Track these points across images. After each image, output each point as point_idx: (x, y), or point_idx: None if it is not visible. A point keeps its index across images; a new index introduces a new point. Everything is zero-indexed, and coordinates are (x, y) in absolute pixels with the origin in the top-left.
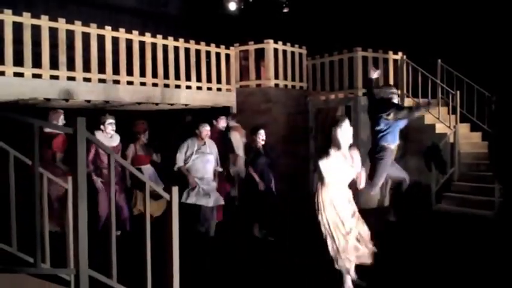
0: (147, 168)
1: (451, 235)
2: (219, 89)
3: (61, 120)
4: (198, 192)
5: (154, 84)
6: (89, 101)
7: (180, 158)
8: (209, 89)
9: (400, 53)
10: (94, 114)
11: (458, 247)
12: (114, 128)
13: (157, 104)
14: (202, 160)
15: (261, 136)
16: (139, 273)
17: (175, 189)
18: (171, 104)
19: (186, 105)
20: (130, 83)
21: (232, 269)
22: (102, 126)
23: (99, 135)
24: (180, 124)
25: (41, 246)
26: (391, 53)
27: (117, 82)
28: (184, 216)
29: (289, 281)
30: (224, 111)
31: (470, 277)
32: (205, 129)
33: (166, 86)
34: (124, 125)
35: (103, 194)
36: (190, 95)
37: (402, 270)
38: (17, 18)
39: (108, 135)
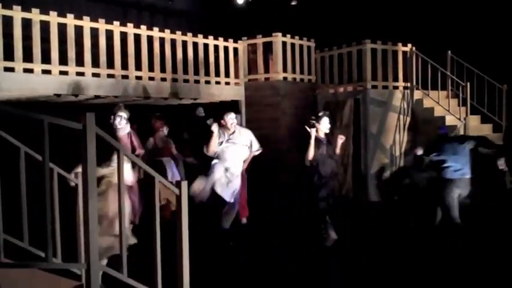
0: (167, 160)
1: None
2: (227, 83)
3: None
4: (222, 183)
5: (163, 79)
6: (98, 96)
7: (214, 144)
8: (217, 83)
9: (409, 45)
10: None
11: (464, 238)
12: (123, 122)
13: (166, 98)
14: (231, 150)
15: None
16: (150, 268)
17: (184, 184)
18: (180, 99)
19: (194, 99)
20: (139, 77)
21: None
22: (112, 117)
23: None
24: (191, 118)
25: (52, 240)
26: (400, 44)
27: (125, 77)
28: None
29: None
30: (233, 105)
31: (479, 264)
32: (230, 118)
33: (175, 80)
34: (135, 120)
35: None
36: (198, 90)
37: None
38: (26, 15)
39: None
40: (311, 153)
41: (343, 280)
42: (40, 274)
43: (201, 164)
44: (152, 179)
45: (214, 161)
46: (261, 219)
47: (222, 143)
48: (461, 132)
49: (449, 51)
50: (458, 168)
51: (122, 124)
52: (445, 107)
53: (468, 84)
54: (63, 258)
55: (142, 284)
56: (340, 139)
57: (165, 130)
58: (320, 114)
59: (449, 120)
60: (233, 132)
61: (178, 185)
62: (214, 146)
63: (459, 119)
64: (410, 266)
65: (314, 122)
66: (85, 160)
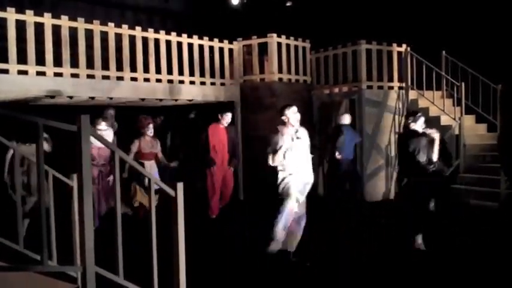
0: (150, 164)
1: (457, 227)
2: (222, 84)
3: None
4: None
5: (158, 80)
6: (92, 98)
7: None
8: (213, 83)
9: (404, 45)
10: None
11: (465, 238)
12: (106, 124)
13: (161, 99)
14: (299, 154)
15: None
16: (146, 270)
17: (180, 185)
18: (175, 100)
19: (190, 100)
20: (134, 79)
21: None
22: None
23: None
24: (185, 121)
25: (47, 243)
26: (395, 45)
27: (120, 78)
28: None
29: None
30: (228, 106)
31: (475, 269)
32: (293, 112)
33: (170, 81)
34: (129, 121)
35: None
36: (193, 90)
37: (409, 262)
38: (20, 16)
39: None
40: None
41: (343, 280)
42: (36, 277)
43: (186, 167)
44: (143, 178)
45: (282, 175)
46: (257, 219)
47: (281, 147)
48: (456, 132)
49: (444, 51)
50: None
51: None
52: (440, 107)
53: (463, 84)
54: (58, 261)
55: (138, 286)
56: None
57: (151, 129)
58: (418, 114)
59: (444, 120)
60: (296, 131)
61: (173, 186)
62: (280, 155)
63: (454, 119)
64: (412, 265)
65: (411, 122)
66: (80, 161)
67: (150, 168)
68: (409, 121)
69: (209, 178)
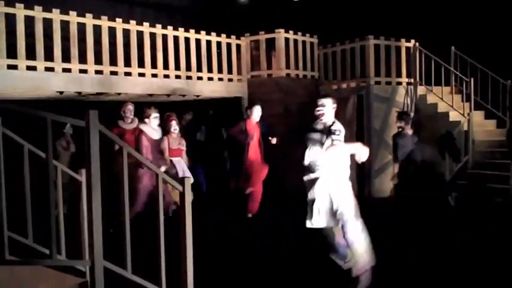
0: (178, 161)
1: (466, 223)
2: (230, 80)
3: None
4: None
5: (166, 76)
6: (100, 93)
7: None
8: (220, 79)
9: (412, 41)
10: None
11: (473, 234)
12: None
13: (168, 95)
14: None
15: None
16: (154, 265)
17: (188, 181)
18: (183, 96)
19: (197, 96)
20: (141, 74)
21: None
22: (147, 120)
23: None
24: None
25: (56, 238)
26: (403, 40)
27: (128, 74)
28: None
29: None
30: (236, 101)
31: (482, 264)
32: (327, 102)
33: (178, 77)
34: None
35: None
36: (201, 86)
37: (416, 259)
38: (29, 12)
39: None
40: None
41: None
42: (45, 271)
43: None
44: (156, 176)
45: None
46: (264, 215)
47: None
48: (465, 128)
49: (453, 47)
50: None
51: (158, 124)
52: (449, 103)
53: (472, 79)
54: (67, 255)
55: (146, 280)
56: None
57: (174, 125)
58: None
59: (453, 116)
60: (333, 123)
61: (181, 181)
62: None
63: (463, 115)
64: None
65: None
66: (89, 157)
67: (179, 165)
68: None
69: (252, 175)
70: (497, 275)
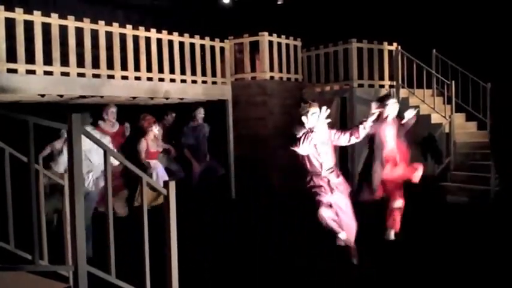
0: (155, 163)
1: (448, 224)
2: (214, 82)
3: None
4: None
5: (149, 79)
6: (84, 96)
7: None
8: (204, 82)
9: (394, 44)
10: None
11: (456, 236)
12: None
13: (152, 98)
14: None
15: None
16: (138, 268)
17: (172, 184)
18: (166, 98)
19: (181, 99)
20: (124, 77)
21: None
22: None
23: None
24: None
25: (38, 243)
26: (385, 43)
27: (111, 77)
28: None
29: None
30: (221, 104)
31: (467, 266)
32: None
33: (161, 80)
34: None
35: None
36: (185, 89)
37: (407, 260)
38: (10, 14)
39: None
40: None
41: (345, 281)
42: (28, 277)
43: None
44: (140, 179)
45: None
46: (249, 217)
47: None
48: (447, 130)
49: (434, 50)
50: None
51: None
52: (431, 105)
53: (453, 82)
54: (50, 260)
55: (130, 285)
56: None
57: (155, 130)
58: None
59: (435, 118)
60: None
61: (166, 185)
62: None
63: (444, 117)
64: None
65: None
66: (71, 161)
67: (155, 167)
68: None
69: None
70: (476, 275)
